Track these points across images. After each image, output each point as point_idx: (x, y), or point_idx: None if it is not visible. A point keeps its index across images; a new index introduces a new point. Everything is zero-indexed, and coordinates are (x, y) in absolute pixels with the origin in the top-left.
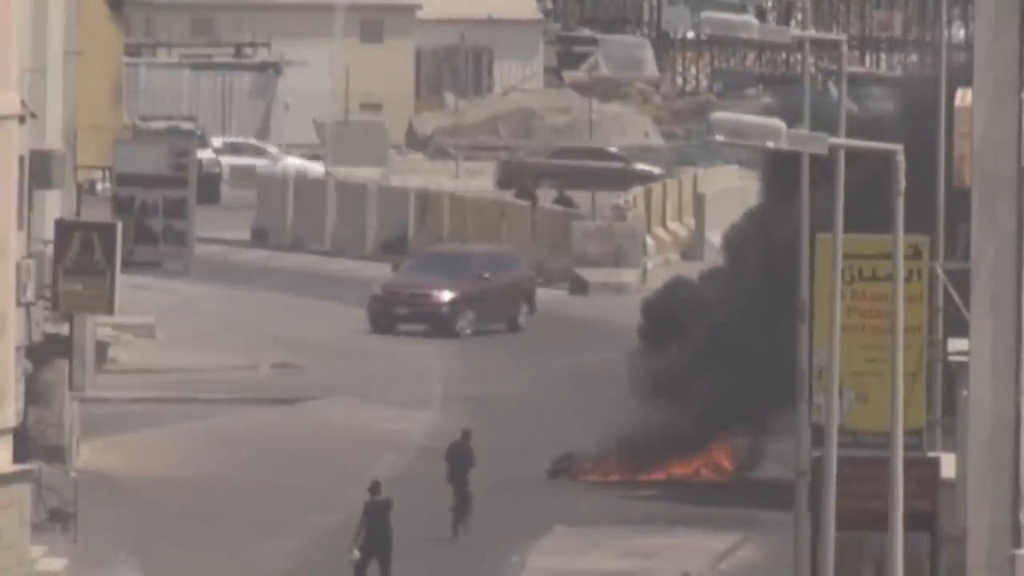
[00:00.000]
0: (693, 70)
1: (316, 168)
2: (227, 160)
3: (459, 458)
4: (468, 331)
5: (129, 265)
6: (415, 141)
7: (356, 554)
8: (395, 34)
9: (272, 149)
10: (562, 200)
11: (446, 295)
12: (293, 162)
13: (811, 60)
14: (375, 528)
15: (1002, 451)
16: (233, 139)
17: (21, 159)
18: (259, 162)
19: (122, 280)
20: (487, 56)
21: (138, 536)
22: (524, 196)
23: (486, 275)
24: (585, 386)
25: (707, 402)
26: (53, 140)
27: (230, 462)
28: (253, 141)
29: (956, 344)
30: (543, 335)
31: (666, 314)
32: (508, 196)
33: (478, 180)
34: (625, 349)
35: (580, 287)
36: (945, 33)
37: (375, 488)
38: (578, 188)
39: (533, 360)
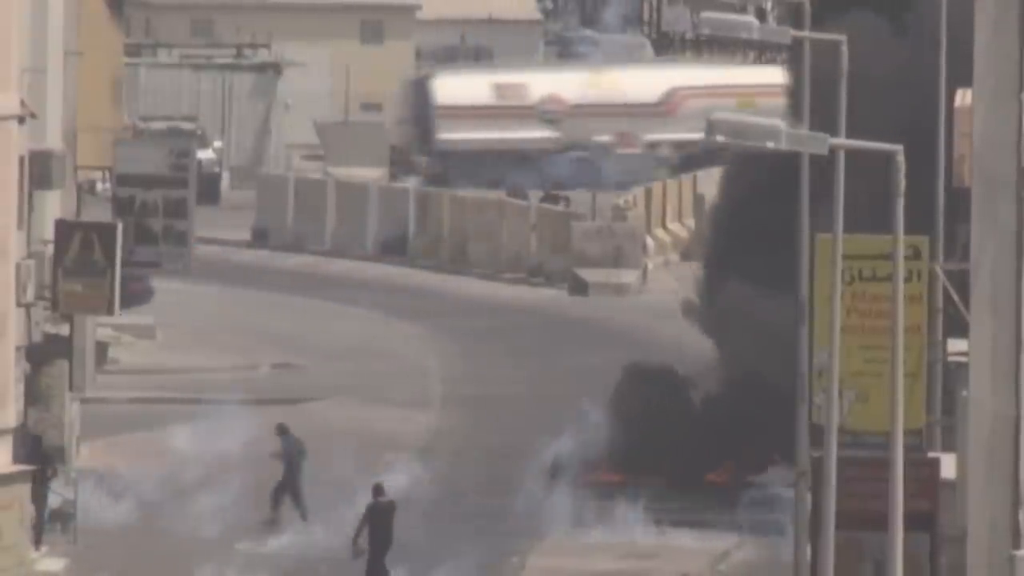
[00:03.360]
0: None
1: None
2: None
3: (294, 454)
4: None
5: (129, 265)
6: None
7: (362, 546)
8: (395, 34)
9: None
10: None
11: None
12: None
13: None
14: (377, 529)
15: (1002, 451)
16: None
17: (21, 159)
18: None
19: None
20: (487, 56)
21: (138, 536)
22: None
23: None
24: (585, 386)
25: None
26: (53, 140)
27: (230, 462)
28: None
29: (956, 344)
30: (543, 335)
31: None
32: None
33: None
34: (625, 350)
35: (580, 287)
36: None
37: (378, 490)
38: None
39: (533, 360)
